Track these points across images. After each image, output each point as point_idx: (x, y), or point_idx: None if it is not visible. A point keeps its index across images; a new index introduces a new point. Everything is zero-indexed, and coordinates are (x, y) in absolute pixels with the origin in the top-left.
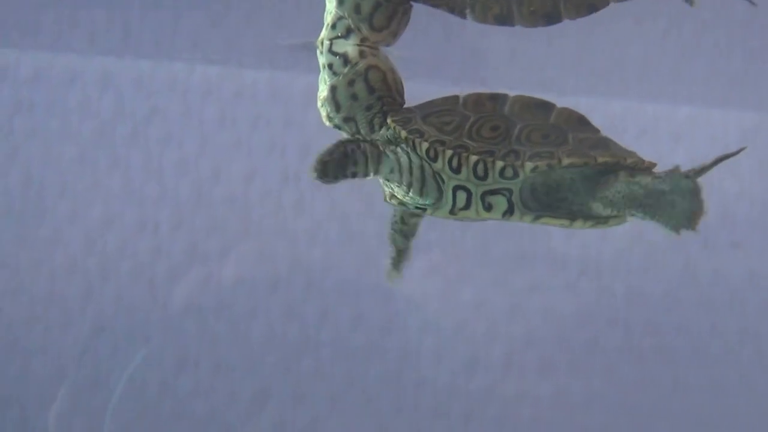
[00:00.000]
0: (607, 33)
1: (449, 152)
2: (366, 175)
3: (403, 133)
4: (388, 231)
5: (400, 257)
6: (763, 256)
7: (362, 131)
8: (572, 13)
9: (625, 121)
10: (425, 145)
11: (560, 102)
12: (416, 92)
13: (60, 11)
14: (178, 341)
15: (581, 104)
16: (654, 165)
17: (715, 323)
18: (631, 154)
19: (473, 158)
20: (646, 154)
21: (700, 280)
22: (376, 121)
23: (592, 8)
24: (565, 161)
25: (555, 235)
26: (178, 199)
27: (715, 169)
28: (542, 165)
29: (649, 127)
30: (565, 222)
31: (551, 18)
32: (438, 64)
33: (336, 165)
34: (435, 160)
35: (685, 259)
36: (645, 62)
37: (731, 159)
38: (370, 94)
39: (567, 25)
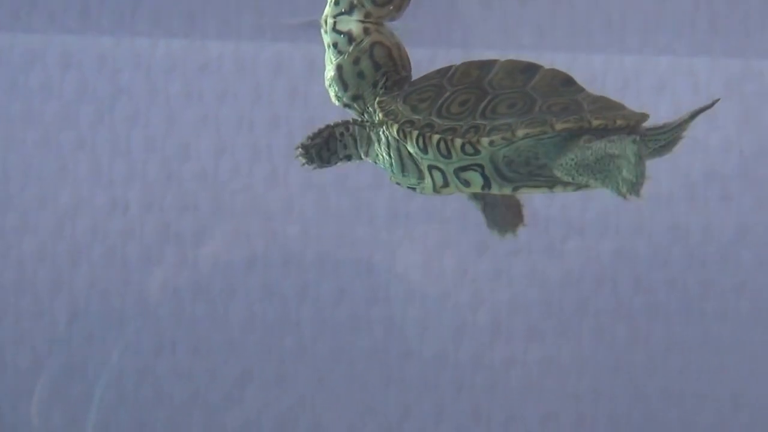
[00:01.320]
0: None
1: (415, 133)
2: (359, 157)
3: (380, 115)
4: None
5: (489, 213)
6: (754, 209)
7: (371, 109)
8: None
9: (607, 74)
10: (396, 126)
11: (542, 59)
12: (426, 60)
13: None
14: (155, 324)
15: (559, 60)
16: (627, 125)
17: (707, 279)
18: (606, 115)
19: (435, 137)
20: (631, 107)
21: (690, 236)
22: (380, 93)
23: None
24: (520, 133)
25: (536, 198)
26: (148, 179)
27: (699, 120)
28: (498, 139)
29: (630, 79)
30: (545, 190)
31: None
32: (433, 30)
33: (322, 148)
34: (406, 141)
35: (673, 215)
36: (624, 13)
37: (716, 109)
38: (377, 70)
39: None
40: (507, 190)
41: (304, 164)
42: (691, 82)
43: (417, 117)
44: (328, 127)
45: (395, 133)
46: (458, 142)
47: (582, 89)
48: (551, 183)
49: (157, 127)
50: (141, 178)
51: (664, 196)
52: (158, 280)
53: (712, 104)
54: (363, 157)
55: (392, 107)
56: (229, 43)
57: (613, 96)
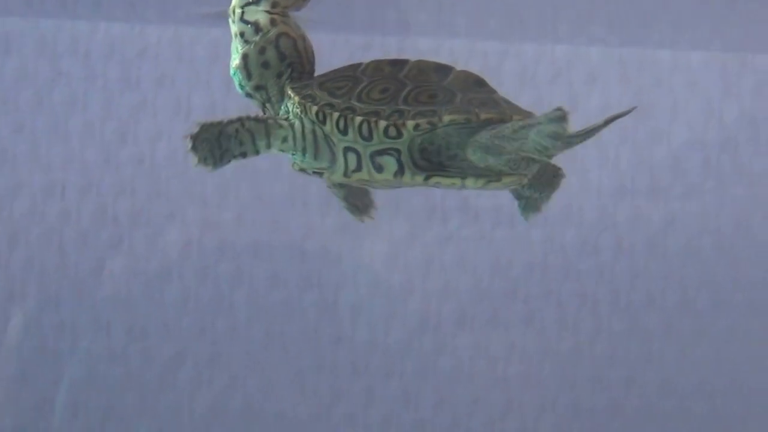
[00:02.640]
0: None
1: (336, 114)
2: (257, 152)
3: (297, 98)
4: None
5: (352, 203)
6: (682, 199)
7: (273, 99)
8: None
9: (538, 64)
10: (314, 108)
11: (475, 48)
12: (362, 47)
13: None
14: (90, 306)
15: (493, 49)
16: None
17: (635, 268)
18: (524, 112)
19: (358, 119)
20: (562, 97)
21: (618, 225)
22: (287, 88)
23: None
24: (446, 118)
25: None
26: (85, 163)
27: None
28: (423, 123)
29: (562, 69)
30: (456, 181)
31: None
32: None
33: (213, 146)
34: (324, 122)
35: (602, 205)
36: (556, 3)
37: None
38: (281, 61)
39: None
40: (419, 179)
41: (197, 165)
42: (621, 73)
43: (336, 101)
44: (219, 123)
45: (313, 114)
46: (382, 124)
47: (494, 90)
48: (462, 174)
49: (96, 112)
50: (79, 162)
51: (593, 186)
52: (94, 262)
53: (628, 112)
54: (263, 149)
55: (308, 92)
56: (168, 28)
57: (545, 86)
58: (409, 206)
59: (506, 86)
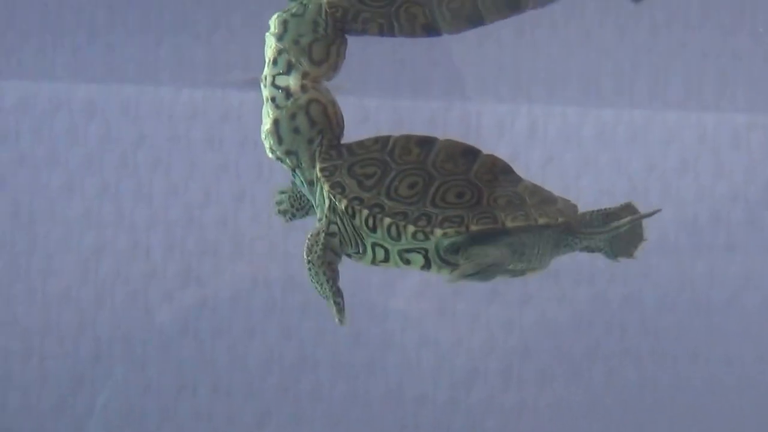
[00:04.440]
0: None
1: (365, 212)
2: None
3: (326, 187)
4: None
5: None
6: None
7: (303, 165)
8: (494, 15)
9: (616, 126)
10: (344, 202)
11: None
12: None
13: (42, 38)
14: (176, 366)
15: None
16: (567, 221)
17: (713, 325)
18: (548, 211)
19: (387, 220)
20: (639, 161)
21: (695, 283)
22: (317, 155)
23: (514, 8)
24: (473, 228)
25: None
26: (169, 223)
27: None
28: (451, 232)
29: (638, 131)
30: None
31: (473, 20)
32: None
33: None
34: (354, 217)
35: (679, 264)
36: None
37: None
38: (312, 127)
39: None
40: (446, 272)
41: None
42: (699, 136)
43: (366, 195)
44: (321, 280)
45: (343, 207)
46: (411, 229)
47: (520, 179)
48: None
49: (179, 174)
50: (163, 223)
51: (671, 244)
52: (179, 322)
53: (653, 213)
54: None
55: (337, 179)
56: (250, 93)
57: (623, 148)
58: None
59: (586, 148)
